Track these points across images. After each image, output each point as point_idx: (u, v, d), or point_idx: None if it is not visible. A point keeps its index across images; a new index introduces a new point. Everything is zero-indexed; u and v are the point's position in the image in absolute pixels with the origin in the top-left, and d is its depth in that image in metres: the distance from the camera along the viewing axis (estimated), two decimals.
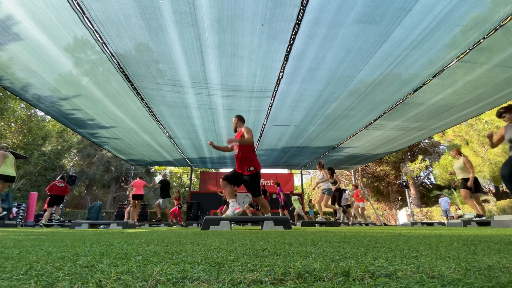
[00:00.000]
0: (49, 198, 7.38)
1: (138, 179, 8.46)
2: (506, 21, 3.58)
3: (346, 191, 9.52)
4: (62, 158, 22.87)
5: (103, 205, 18.32)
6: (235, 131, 4.17)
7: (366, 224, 8.35)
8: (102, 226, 5.80)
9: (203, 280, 0.53)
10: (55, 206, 7.48)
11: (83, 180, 24.37)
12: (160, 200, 8.66)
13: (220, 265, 0.69)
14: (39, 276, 0.58)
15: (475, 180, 5.45)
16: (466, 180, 5.52)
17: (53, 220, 8.97)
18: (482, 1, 3.28)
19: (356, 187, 10.39)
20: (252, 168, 3.86)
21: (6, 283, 0.51)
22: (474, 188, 5.40)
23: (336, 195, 7.64)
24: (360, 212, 9.55)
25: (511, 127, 3.64)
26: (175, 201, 11.08)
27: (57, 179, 7.88)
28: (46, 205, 7.56)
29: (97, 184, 26.05)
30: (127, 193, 9.73)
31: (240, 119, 4.17)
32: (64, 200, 8.04)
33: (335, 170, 8.65)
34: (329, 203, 7.39)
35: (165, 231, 3.30)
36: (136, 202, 8.23)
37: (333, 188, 7.50)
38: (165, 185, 8.76)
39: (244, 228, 5.12)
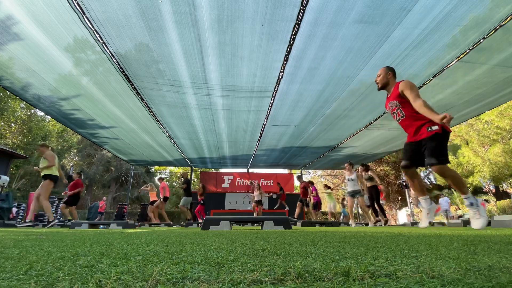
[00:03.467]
0: (73, 197, 7.34)
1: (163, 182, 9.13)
2: (506, 21, 3.58)
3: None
4: (62, 158, 22.88)
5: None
6: (384, 87, 3.09)
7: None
8: (102, 226, 5.80)
9: (203, 280, 0.53)
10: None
11: (83, 180, 24.29)
12: (184, 199, 9.03)
13: (220, 265, 0.69)
14: (39, 276, 0.58)
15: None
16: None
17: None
18: (482, 1, 3.28)
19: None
20: (435, 127, 2.64)
21: (6, 283, 0.51)
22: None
23: (373, 195, 6.93)
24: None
25: None
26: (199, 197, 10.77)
27: (77, 177, 7.72)
28: (69, 207, 7.49)
29: (97, 184, 26.05)
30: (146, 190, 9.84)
31: (393, 72, 3.08)
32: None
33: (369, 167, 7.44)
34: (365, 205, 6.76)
35: (165, 231, 3.30)
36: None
37: (368, 185, 6.88)
38: (189, 184, 9.12)
39: (244, 228, 5.12)
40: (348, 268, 0.59)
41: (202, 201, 10.03)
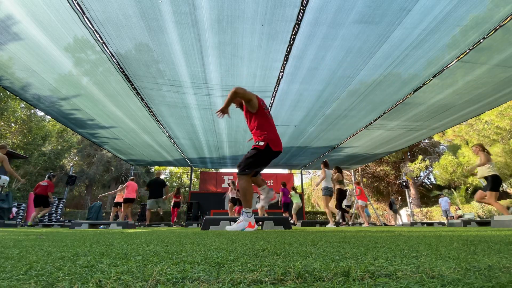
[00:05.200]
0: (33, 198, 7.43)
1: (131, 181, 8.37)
2: (506, 21, 3.58)
3: (348, 190, 9.02)
4: (62, 158, 22.87)
5: (103, 205, 18.31)
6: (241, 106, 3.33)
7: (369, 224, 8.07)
8: (102, 226, 5.80)
9: (203, 280, 0.53)
10: (40, 207, 7.46)
11: (83, 180, 24.36)
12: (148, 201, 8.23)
13: (220, 265, 0.69)
14: (39, 276, 0.58)
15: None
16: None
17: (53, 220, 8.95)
18: (482, 1, 3.28)
19: (358, 183, 9.55)
20: (260, 143, 2.89)
21: (6, 283, 0.51)
22: None
23: (338, 197, 7.12)
24: (360, 211, 8.84)
25: None
26: (173, 199, 10.68)
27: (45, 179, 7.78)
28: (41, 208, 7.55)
29: (97, 184, 26.04)
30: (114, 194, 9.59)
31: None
32: (50, 199, 7.66)
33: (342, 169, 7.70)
34: (330, 204, 7.08)
35: (165, 231, 3.30)
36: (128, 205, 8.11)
37: (337, 186, 7.03)
38: (150, 185, 8.30)
39: None
40: (348, 268, 0.59)
41: (175, 204, 10.37)
